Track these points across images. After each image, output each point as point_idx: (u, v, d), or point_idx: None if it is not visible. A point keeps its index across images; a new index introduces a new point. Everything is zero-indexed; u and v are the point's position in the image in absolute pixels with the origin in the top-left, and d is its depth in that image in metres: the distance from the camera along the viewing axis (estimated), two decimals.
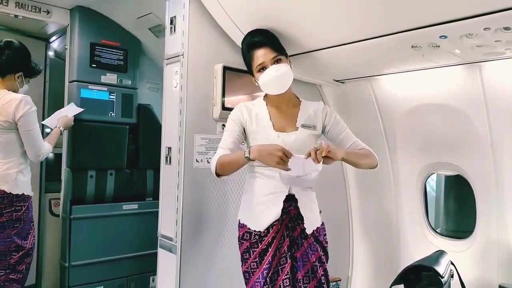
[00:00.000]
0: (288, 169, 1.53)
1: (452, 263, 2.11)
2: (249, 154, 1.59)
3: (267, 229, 1.70)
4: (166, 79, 2.29)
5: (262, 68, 1.72)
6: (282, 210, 1.70)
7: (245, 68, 2.30)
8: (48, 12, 3.09)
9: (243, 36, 1.88)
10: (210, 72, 2.25)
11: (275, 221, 1.70)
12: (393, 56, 1.97)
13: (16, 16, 2.98)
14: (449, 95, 2.15)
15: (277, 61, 1.72)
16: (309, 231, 1.74)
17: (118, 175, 3.22)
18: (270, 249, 1.69)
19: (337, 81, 2.56)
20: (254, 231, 1.72)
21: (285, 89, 1.73)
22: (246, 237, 1.74)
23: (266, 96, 1.85)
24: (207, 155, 2.24)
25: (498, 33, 1.48)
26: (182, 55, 2.15)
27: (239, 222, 1.81)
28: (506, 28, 1.44)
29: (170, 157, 2.23)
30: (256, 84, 1.79)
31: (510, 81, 1.93)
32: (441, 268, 1.95)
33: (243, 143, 1.86)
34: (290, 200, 1.72)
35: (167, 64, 2.28)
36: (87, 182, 3.05)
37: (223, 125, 2.30)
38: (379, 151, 2.58)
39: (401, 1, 1.51)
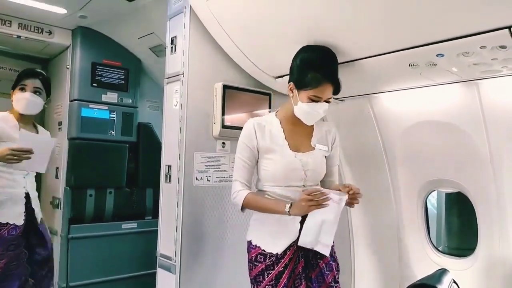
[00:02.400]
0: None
1: (454, 282, 2.08)
2: (289, 210, 1.57)
3: (284, 250, 1.66)
4: (166, 97, 2.31)
5: (314, 98, 1.62)
6: (299, 230, 1.66)
7: (244, 87, 2.34)
8: (50, 33, 3.14)
9: (302, 49, 1.73)
10: (210, 90, 2.27)
11: (292, 242, 1.66)
12: (391, 74, 1.99)
13: (19, 36, 3.03)
14: (447, 112, 2.16)
15: (329, 100, 1.66)
16: (327, 253, 1.68)
17: (117, 193, 3.21)
18: (286, 271, 1.64)
19: (335, 98, 2.57)
20: (270, 253, 1.66)
21: (314, 122, 1.74)
22: (260, 259, 1.68)
23: (279, 112, 1.80)
24: (206, 173, 2.24)
25: (494, 51, 1.50)
26: (183, 74, 2.18)
27: (250, 243, 1.74)
28: (502, 47, 1.46)
29: (170, 175, 2.23)
30: (291, 94, 1.70)
31: (508, 98, 1.94)
32: (444, 287, 1.93)
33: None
34: (305, 221, 1.68)
35: (167, 83, 2.31)
36: (86, 200, 3.04)
37: (223, 143, 2.31)
38: (378, 168, 2.60)
39: (398, 20, 1.53)
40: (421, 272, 2.46)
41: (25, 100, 2.26)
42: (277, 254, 1.65)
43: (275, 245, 1.66)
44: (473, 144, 2.13)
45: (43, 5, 2.76)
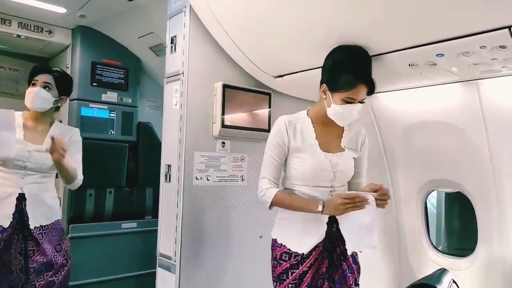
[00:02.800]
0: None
1: (454, 282, 2.08)
2: (322, 209, 1.56)
3: (310, 251, 1.65)
4: (166, 97, 2.31)
5: (349, 100, 1.59)
6: (326, 231, 1.66)
7: (244, 86, 2.34)
8: (50, 32, 3.14)
9: (338, 50, 1.69)
10: (210, 90, 2.27)
11: (318, 243, 1.66)
12: (391, 74, 1.99)
13: (18, 36, 3.03)
14: (447, 112, 2.16)
15: (362, 101, 1.63)
16: (350, 252, 1.68)
17: (117, 193, 3.21)
18: (310, 271, 1.64)
19: None
20: (295, 252, 1.66)
21: (347, 123, 1.71)
22: (285, 257, 1.68)
23: (310, 111, 1.77)
24: (206, 173, 2.24)
25: (494, 51, 1.50)
26: (182, 73, 2.18)
27: (275, 241, 1.73)
28: (502, 47, 1.46)
29: (169, 175, 2.23)
30: (323, 95, 1.67)
31: (508, 98, 1.94)
32: (443, 287, 1.93)
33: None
34: (332, 221, 1.68)
35: (167, 83, 2.31)
36: (86, 200, 3.04)
37: (223, 142, 2.31)
38: (378, 168, 2.61)
39: (398, 20, 1.53)
40: (420, 272, 2.46)
41: (31, 94, 2.14)
42: (302, 254, 1.65)
43: (301, 245, 1.66)
44: (473, 144, 2.13)
45: (43, 4, 2.76)
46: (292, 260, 1.66)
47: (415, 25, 1.53)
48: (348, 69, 1.59)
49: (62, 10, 2.86)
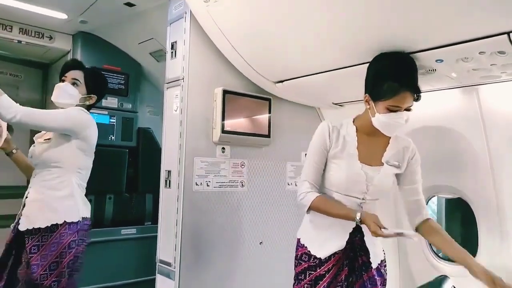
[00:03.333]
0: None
1: None
2: (360, 219, 1.52)
3: (329, 256, 1.65)
4: (166, 102, 2.32)
5: (393, 108, 1.53)
6: (347, 240, 1.65)
7: (244, 91, 2.35)
8: (51, 38, 3.15)
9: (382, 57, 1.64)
10: (210, 95, 2.27)
11: (338, 250, 1.64)
12: None
13: (19, 41, 3.04)
14: (447, 117, 2.16)
15: (409, 109, 1.55)
16: (374, 264, 1.67)
17: (117, 199, 3.20)
18: (327, 275, 1.63)
19: (335, 104, 2.58)
20: (314, 255, 1.66)
21: (395, 133, 1.66)
22: (305, 258, 1.69)
23: (357, 119, 1.72)
24: (206, 178, 2.24)
25: (493, 57, 1.50)
26: (183, 79, 2.18)
27: (299, 241, 1.74)
28: (501, 52, 1.46)
29: (169, 181, 2.23)
30: (367, 105, 1.62)
31: (507, 103, 1.94)
32: None
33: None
34: (356, 231, 1.65)
35: (167, 88, 2.31)
36: None
37: (223, 148, 2.31)
38: None
39: (396, 25, 1.54)
40: (421, 278, 2.45)
41: (57, 89, 2.05)
42: (320, 258, 1.65)
43: (321, 249, 1.66)
44: (473, 150, 2.12)
45: (44, 10, 2.77)
46: (311, 261, 1.67)
47: (414, 31, 1.54)
48: (390, 76, 1.53)
49: (63, 16, 2.87)
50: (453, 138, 2.18)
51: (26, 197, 2.00)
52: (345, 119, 1.73)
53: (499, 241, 2.15)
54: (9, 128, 2.11)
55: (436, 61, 1.63)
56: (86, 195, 2.85)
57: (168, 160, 2.27)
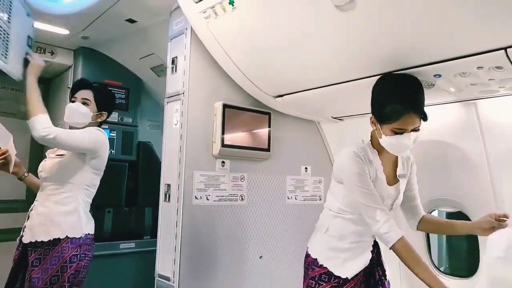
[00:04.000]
0: None
1: None
2: None
3: (353, 276, 1.63)
4: (166, 116, 2.33)
5: (398, 131, 1.52)
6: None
7: (244, 106, 2.36)
8: (52, 53, 3.19)
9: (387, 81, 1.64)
10: (210, 109, 2.29)
11: (361, 269, 1.65)
12: None
13: None
14: (446, 131, 2.17)
15: (415, 129, 1.55)
16: (388, 277, 1.70)
17: (116, 212, 3.19)
18: None
19: (335, 118, 2.59)
20: (338, 276, 1.63)
21: (404, 153, 1.68)
22: (325, 278, 1.65)
23: (373, 142, 1.69)
24: (206, 192, 2.24)
25: (491, 71, 1.52)
26: (183, 93, 2.20)
27: (315, 261, 1.69)
28: (499, 67, 1.48)
29: (169, 194, 2.22)
30: (374, 127, 1.62)
31: (506, 117, 1.96)
32: None
33: None
34: (374, 247, 1.69)
35: (168, 102, 2.33)
36: None
37: (223, 162, 2.31)
38: None
39: (396, 41, 1.56)
40: None
41: (69, 109, 2.10)
42: (346, 278, 1.62)
43: (345, 269, 1.63)
44: (473, 163, 2.13)
45: (47, 26, 2.81)
46: (332, 281, 1.63)
47: (412, 46, 1.55)
48: (393, 98, 1.52)
49: (65, 31, 2.90)
50: (453, 152, 2.18)
51: (31, 210, 2.03)
52: (362, 143, 1.69)
53: None
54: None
55: (435, 76, 1.64)
56: None
57: (168, 174, 2.27)
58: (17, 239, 2.03)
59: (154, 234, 2.63)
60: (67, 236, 1.94)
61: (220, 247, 2.27)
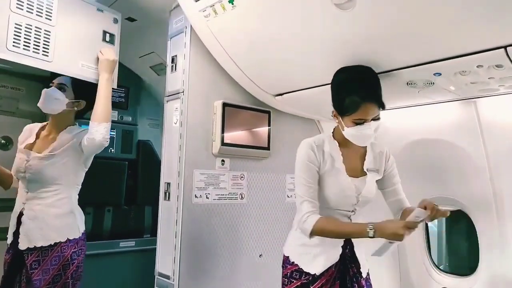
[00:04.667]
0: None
1: None
2: (374, 233, 1.47)
3: (322, 272, 1.62)
4: (166, 115, 2.33)
5: (359, 121, 1.55)
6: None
7: (244, 104, 2.36)
8: None
9: (338, 73, 1.66)
10: (210, 108, 2.29)
11: (332, 264, 1.63)
12: (389, 92, 1.99)
13: None
14: (446, 130, 2.17)
15: (375, 119, 1.57)
16: (364, 274, 1.68)
17: (116, 211, 3.19)
18: None
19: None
20: (307, 272, 1.64)
21: (369, 143, 1.68)
22: (296, 275, 1.66)
23: (335, 133, 1.73)
24: (206, 191, 2.24)
25: (491, 70, 1.52)
26: (183, 92, 2.20)
27: (287, 258, 1.71)
28: (498, 66, 1.48)
29: (169, 193, 2.22)
30: (336, 120, 1.65)
31: (506, 116, 1.96)
32: None
33: None
34: (347, 243, 1.67)
35: (167, 101, 2.32)
36: (85, 218, 3.01)
37: (223, 160, 2.31)
38: None
39: (394, 39, 1.56)
40: None
41: (43, 94, 1.94)
42: (314, 274, 1.62)
43: (314, 266, 1.63)
44: (473, 162, 2.13)
45: None
46: (303, 279, 1.64)
47: (412, 45, 1.55)
48: (350, 90, 1.55)
49: None
50: (452, 150, 2.18)
51: (21, 214, 1.91)
52: (323, 134, 1.76)
53: (500, 253, 2.14)
54: (10, 142, 2.09)
55: (434, 74, 1.64)
56: (85, 207, 2.81)
57: (168, 173, 2.27)
58: (7, 243, 1.95)
59: (154, 233, 2.63)
60: (67, 238, 1.92)
61: (220, 246, 2.28)
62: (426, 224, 2.59)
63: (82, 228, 2.03)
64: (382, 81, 1.79)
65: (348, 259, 1.67)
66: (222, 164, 2.33)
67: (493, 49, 1.40)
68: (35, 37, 1.85)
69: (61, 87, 2.00)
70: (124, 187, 3.23)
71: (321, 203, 1.65)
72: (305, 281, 1.63)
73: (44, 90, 1.98)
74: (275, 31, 1.80)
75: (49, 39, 1.90)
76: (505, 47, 1.37)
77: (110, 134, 3.14)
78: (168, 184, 2.24)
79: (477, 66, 1.51)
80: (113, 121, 3.21)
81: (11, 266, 1.94)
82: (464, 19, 1.34)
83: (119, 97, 3.30)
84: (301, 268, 1.65)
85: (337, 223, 1.62)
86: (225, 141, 2.26)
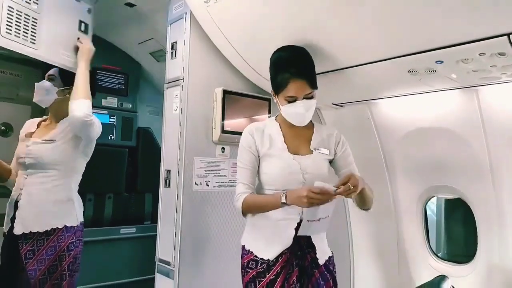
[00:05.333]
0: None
1: None
2: (285, 200, 1.51)
3: (277, 257, 1.59)
4: (166, 102, 2.32)
5: (290, 99, 1.60)
6: (293, 237, 1.60)
7: (244, 92, 2.35)
8: None
9: (272, 53, 1.71)
10: (210, 95, 2.28)
11: (285, 249, 1.60)
12: (390, 80, 2.00)
13: None
14: (447, 118, 2.17)
15: (308, 97, 1.60)
16: (321, 261, 1.66)
17: (116, 198, 3.20)
18: (278, 280, 1.58)
19: (335, 104, 2.58)
20: (262, 259, 1.61)
21: (306, 122, 1.67)
22: (252, 265, 1.62)
23: (278, 116, 1.76)
24: (206, 178, 2.24)
25: (493, 58, 1.51)
26: (183, 79, 2.18)
27: (243, 248, 1.69)
28: (501, 54, 1.46)
29: (169, 180, 2.23)
30: (276, 101, 1.69)
31: (507, 105, 1.95)
32: None
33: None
34: (299, 225, 1.62)
35: (167, 88, 2.31)
36: (85, 205, 3.02)
37: (223, 148, 2.31)
38: (378, 174, 2.60)
39: (397, 27, 1.54)
40: (420, 278, 2.46)
41: (35, 88, 2.01)
42: (268, 260, 1.60)
43: (267, 251, 1.61)
44: (473, 151, 2.13)
45: None
46: (258, 267, 1.61)
47: (414, 32, 1.54)
48: (280, 67, 1.61)
49: None
50: (453, 139, 2.18)
51: (18, 200, 1.92)
52: (268, 119, 1.81)
53: (498, 241, 2.16)
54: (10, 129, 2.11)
55: (436, 62, 1.63)
56: (85, 194, 2.86)
57: (168, 160, 2.27)
58: (4, 231, 1.94)
59: (154, 220, 2.65)
60: (65, 225, 1.93)
61: (220, 233, 2.29)
62: (425, 212, 2.60)
63: (80, 217, 2.04)
64: (384, 69, 1.78)
65: (305, 245, 1.65)
66: (223, 152, 2.33)
67: (495, 36, 1.38)
68: (24, 24, 1.87)
69: (50, 78, 2.07)
70: (124, 174, 3.25)
71: (268, 185, 1.66)
72: (261, 269, 1.60)
73: (36, 84, 2.04)
74: (276, 16, 1.78)
75: (36, 26, 1.93)
76: (508, 35, 1.36)
77: (110, 121, 3.20)
78: (169, 171, 2.24)
79: (479, 54, 1.50)
80: (112, 108, 3.24)
81: (7, 254, 1.94)
82: (467, 6, 1.32)
83: (119, 83, 3.29)
84: (256, 256, 1.63)
85: (260, 196, 1.66)
86: (225, 129, 2.26)
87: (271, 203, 1.58)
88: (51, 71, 2.09)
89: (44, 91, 2.02)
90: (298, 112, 1.61)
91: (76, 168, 2.05)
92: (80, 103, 1.92)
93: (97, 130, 2.04)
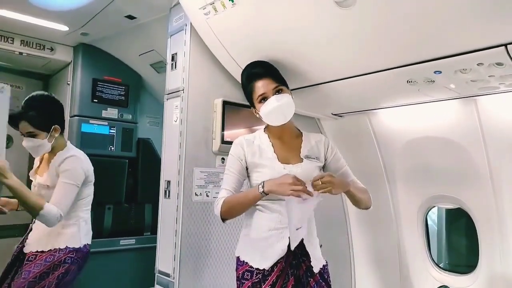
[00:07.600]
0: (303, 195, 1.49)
1: None
2: (263, 188, 1.54)
3: (272, 267, 1.58)
4: (166, 113, 2.33)
5: (263, 99, 1.67)
6: (287, 245, 1.60)
7: (244, 102, 2.34)
8: (52, 49, 3.18)
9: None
10: (210, 106, 2.28)
11: (280, 258, 1.59)
12: (390, 90, 2.01)
13: (21, 53, 3.06)
14: (446, 128, 2.17)
15: (278, 91, 1.67)
16: (316, 269, 1.65)
17: (116, 209, 3.20)
18: None
19: (335, 114, 2.59)
20: (257, 269, 1.59)
21: (288, 119, 1.69)
22: (247, 276, 1.61)
23: (267, 128, 1.80)
24: (206, 189, 2.24)
25: (491, 68, 1.52)
26: (183, 90, 2.19)
27: (238, 259, 1.68)
28: (499, 64, 1.48)
29: (169, 191, 2.23)
30: (258, 115, 1.73)
31: (506, 114, 1.96)
32: None
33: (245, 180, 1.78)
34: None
35: (167, 99, 2.32)
36: None
37: (223, 158, 2.31)
38: (378, 184, 2.60)
39: (396, 37, 1.56)
40: None
41: (27, 148, 2.05)
42: (264, 270, 1.59)
43: (262, 260, 1.61)
44: (472, 160, 2.13)
45: (46, 22, 2.80)
46: (254, 278, 1.60)
47: (413, 43, 1.55)
48: (246, 79, 1.73)
49: (64, 28, 2.89)
50: (453, 148, 2.18)
51: (33, 223, 2.07)
52: (257, 131, 1.84)
53: (500, 251, 2.15)
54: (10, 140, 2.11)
55: (435, 72, 1.64)
56: None
57: (168, 171, 2.27)
58: (15, 247, 2.08)
59: (154, 231, 2.64)
60: (66, 246, 2.01)
61: (220, 244, 2.28)
62: (426, 222, 2.59)
63: (84, 240, 2.10)
64: (383, 79, 1.79)
65: (300, 254, 1.65)
66: (222, 162, 2.32)
67: (493, 47, 1.40)
68: None
69: (30, 135, 2.02)
70: (124, 185, 3.24)
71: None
72: (256, 279, 1.59)
73: (25, 144, 2.04)
74: (275, 28, 1.79)
75: None
76: (505, 45, 1.37)
77: (110, 132, 3.21)
78: (168, 182, 2.24)
79: (478, 64, 1.51)
80: (113, 119, 3.24)
81: (11, 265, 2.05)
82: (465, 17, 1.34)
83: (119, 94, 3.31)
84: (252, 266, 1.62)
85: (237, 194, 1.67)
86: (225, 139, 2.26)
87: (251, 194, 1.60)
88: (23, 128, 2.01)
89: (40, 148, 2.04)
90: (273, 105, 1.64)
91: (78, 204, 2.08)
92: (45, 214, 1.84)
93: (80, 183, 2.02)
